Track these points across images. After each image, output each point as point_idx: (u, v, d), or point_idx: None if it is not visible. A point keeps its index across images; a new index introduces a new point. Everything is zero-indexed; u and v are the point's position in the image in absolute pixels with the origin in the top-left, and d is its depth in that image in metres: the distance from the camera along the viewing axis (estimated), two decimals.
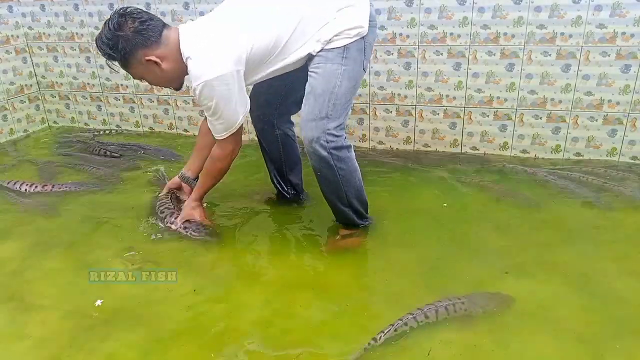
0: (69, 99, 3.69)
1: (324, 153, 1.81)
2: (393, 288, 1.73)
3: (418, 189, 2.50)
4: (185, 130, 3.46)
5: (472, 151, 2.93)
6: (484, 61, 2.72)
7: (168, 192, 2.32)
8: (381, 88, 2.95)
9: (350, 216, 2.03)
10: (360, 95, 3.01)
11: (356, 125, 3.10)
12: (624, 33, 2.47)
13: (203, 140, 2.18)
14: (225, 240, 2.06)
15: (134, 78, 1.92)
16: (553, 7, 2.52)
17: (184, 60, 1.77)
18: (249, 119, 2.14)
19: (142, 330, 1.57)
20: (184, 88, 2.05)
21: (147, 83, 1.95)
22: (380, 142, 3.09)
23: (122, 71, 1.90)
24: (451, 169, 2.70)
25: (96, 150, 3.11)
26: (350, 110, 1.90)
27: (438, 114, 2.91)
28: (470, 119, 2.87)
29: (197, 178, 2.23)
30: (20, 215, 2.32)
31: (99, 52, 1.81)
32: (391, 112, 3.00)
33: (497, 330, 1.52)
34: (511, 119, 2.80)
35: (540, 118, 2.75)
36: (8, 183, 2.60)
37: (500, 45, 2.67)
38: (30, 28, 3.56)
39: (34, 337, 1.56)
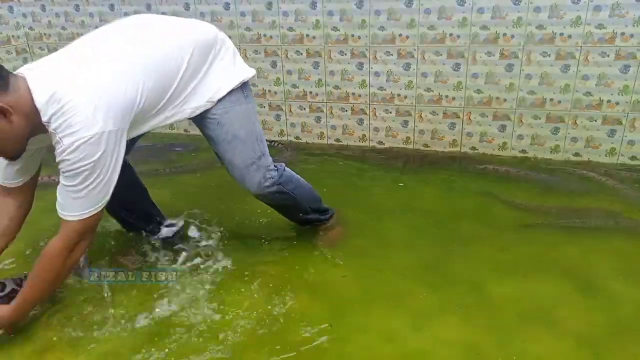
0: None
1: (275, 188, 1.78)
2: (393, 288, 1.74)
3: (418, 189, 2.51)
4: (186, 130, 3.46)
5: (472, 151, 2.93)
6: (483, 62, 2.73)
7: None
8: (381, 88, 2.96)
9: (315, 219, 2.05)
10: (360, 95, 3.01)
11: (356, 125, 3.10)
12: (623, 33, 2.48)
13: None
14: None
15: None
16: (552, 8, 2.52)
17: (41, 113, 1.33)
18: None
19: None
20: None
21: None
22: (380, 142, 3.10)
23: None
24: (450, 169, 2.70)
25: None
26: None
27: (437, 114, 2.92)
28: (470, 119, 2.87)
29: None
30: None
31: None
32: (391, 112, 3.00)
33: (497, 330, 1.52)
34: (510, 119, 2.80)
35: (540, 118, 2.76)
36: None
37: (500, 45, 2.67)
38: (31, 28, 3.56)
39: None
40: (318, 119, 3.17)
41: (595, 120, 2.67)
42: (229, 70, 1.69)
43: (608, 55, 2.53)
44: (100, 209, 1.46)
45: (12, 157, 1.44)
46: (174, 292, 1.73)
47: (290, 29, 2.98)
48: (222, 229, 2.10)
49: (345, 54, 2.94)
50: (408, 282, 1.76)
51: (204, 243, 2.01)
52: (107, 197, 1.46)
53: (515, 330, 1.52)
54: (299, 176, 1.93)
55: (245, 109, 1.72)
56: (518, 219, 2.17)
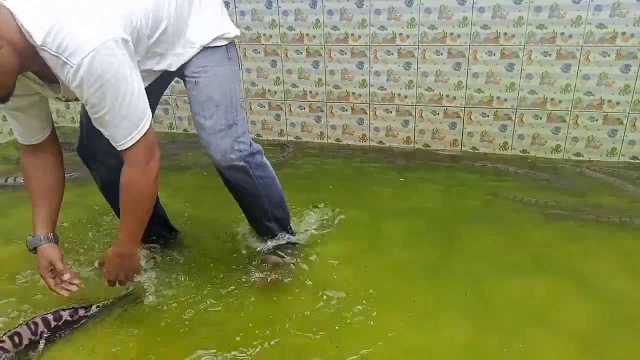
0: None
1: (241, 163, 1.64)
2: (393, 288, 1.73)
3: (418, 188, 2.50)
4: (185, 130, 3.46)
5: (472, 151, 2.93)
6: (484, 61, 2.72)
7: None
8: (381, 88, 2.95)
9: (274, 229, 1.90)
10: (360, 94, 3.01)
11: (356, 125, 3.10)
12: (624, 33, 2.47)
13: (37, 182, 1.51)
14: None
15: None
16: (553, 7, 2.52)
17: (33, 36, 1.14)
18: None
19: None
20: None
21: None
22: (380, 142, 3.09)
23: None
24: (451, 169, 2.70)
25: None
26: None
27: (438, 114, 2.91)
28: (470, 119, 2.86)
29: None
30: None
31: None
32: (391, 112, 2.99)
33: (497, 330, 1.51)
34: (511, 119, 2.80)
35: (540, 118, 2.75)
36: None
37: (500, 45, 2.67)
38: None
39: None
40: (318, 119, 3.17)
41: (596, 120, 2.67)
42: (214, 18, 1.59)
43: (609, 55, 2.53)
44: (149, 120, 1.34)
45: (2, 97, 1.22)
46: None
47: (290, 28, 2.98)
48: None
49: (346, 53, 2.94)
50: (408, 282, 1.76)
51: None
52: (148, 107, 1.34)
53: (515, 330, 1.51)
54: (275, 174, 1.81)
55: (226, 71, 1.60)
56: (518, 219, 2.16)
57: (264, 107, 3.25)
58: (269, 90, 3.19)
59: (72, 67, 1.16)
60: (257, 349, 1.44)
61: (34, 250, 1.52)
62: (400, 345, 1.47)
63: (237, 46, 1.72)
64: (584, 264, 1.83)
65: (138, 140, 1.32)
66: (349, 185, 2.58)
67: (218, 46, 1.58)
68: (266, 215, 1.84)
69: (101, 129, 1.32)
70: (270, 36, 3.04)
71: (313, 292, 1.72)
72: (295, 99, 3.16)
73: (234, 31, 1.63)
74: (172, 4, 1.45)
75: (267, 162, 1.77)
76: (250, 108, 3.27)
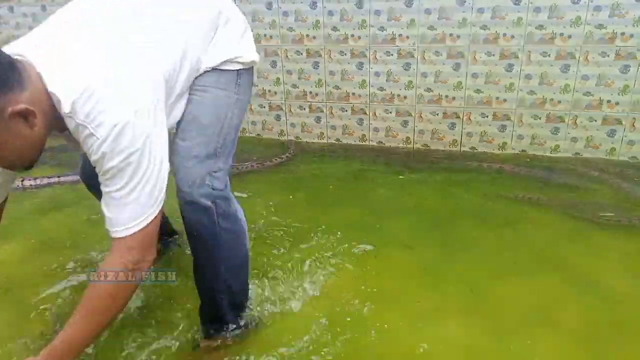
0: None
1: (207, 202, 1.32)
2: (393, 288, 1.73)
3: (418, 188, 2.51)
4: None
5: (472, 151, 2.93)
6: (483, 62, 2.73)
7: None
8: (381, 88, 2.96)
9: (222, 309, 1.47)
10: (360, 95, 3.01)
11: (356, 125, 3.10)
12: (623, 33, 2.48)
13: None
14: None
15: None
16: (552, 8, 2.53)
17: (62, 104, 1.04)
18: None
19: None
20: None
21: None
22: (380, 143, 3.10)
23: None
24: (450, 169, 2.70)
25: None
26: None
27: (437, 114, 2.92)
28: (470, 119, 2.87)
29: None
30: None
31: None
32: (391, 112, 3.00)
33: (497, 330, 1.52)
34: (510, 119, 2.81)
35: (540, 118, 2.76)
36: None
37: (500, 45, 2.67)
38: (31, 28, 3.54)
39: None
40: (318, 119, 3.17)
41: (595, 120, 2.67)
42: (233, 40, 1.40)
43: (608, 55, 2.54)
44: (158, 210, 1.16)
45: (28, 166, 1.13)
46: None
47: (290, 29, 2.98)
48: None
49: (345, 54, 2.94)
50: (408, 282, 1.76)
51: None
52: (164, 193, 1.17)
53: (515, 330, 1.52)
54: (245, 236, 1.46)
55: (228, 96, 1.39)
56: (518, 219, 2.17)
57: (264, 107, 3.25)
58: (269, 91, 3.20)
59: (98, 139, 1.06)
60: None
61: None
62: (400, 345, 1.47)
63: (254, 74, 1.54)
64: (584, 264, 1.83)
65: (137, 231, 1.13)
66: (349, 186, 2.58)
67: (228, 69, 1.39)
68: (218, 286, 1.43)
69: (103, 206, 1.14)
70: (271, 37, 3.04)
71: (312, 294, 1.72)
72: (296, 99, 3.16)
73: (249, 55, 1.42)
74: (197, 45, 1.32)
75: (241, 217, 1.44)
76: (251, 108, 3.27)
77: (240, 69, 1.41)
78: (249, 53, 1.43)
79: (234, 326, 1.49)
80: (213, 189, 1.33)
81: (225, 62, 1.37)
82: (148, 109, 1.12)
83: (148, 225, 1.14)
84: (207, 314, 1.48)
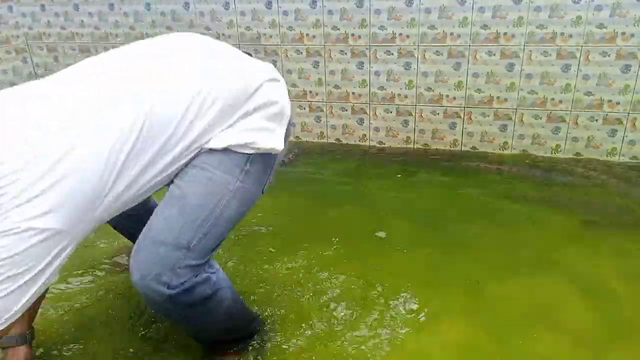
0: None
1: (160, 298, 1.13)
2: (392, 288, 1.73)
3: (417, 188, 2.50)
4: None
5: (472, 151, 2.93)
6: (484, 61, 2.72)
7: None
8: (381, 88, 2.95)
9: (228, 342, 1.44)
10: (360, 94, 3.01)
11: (356, 125, 3.10)
12: (624, 33, 2.47)
13: None
14: None
15: None
16: (553, 7, 2.52)
17: None
18: None
19: None
20: None
21: None
22: (380, 142, 3.09)
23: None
24: (451, 169, 2.70)
25: None
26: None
27: (438, 114, 2.91)
28: (470, 119, 2.86)
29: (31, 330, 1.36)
30: None
31: None
32: (391, 112, 2.99)
33: (497, 330, 1.52)
34: (511, 118, 2.80)
35: (540, 118, 2.75)
36: None
37: (500, 45, 2.66)
38: (30, 28, 3.55)
39: None
40: (318, 119, 3.17)
41: (596, 120, 2.67)
42: (246, 130, 1.20)
43: (609, 55, 2.53)
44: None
45: None
46: None
47: (290, 28, 2.98)
48: None
49: (346, 53, 2.94)
50: (408, 282, 1.76)
51: None
52: (11, 315, 1.01)
53: (515, 330, 1.51)
54: (227, 295, 1.28)
55: (227, 182, 1.19)
56: (518, 219, 2.16)
57: None
58: None
59: None
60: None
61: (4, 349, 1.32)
62: (400, 345, 1.47)
63: (273, 165, 1.31)
64: (584, 264, 1.83)
65: None
66: (349, 186, 2.58)
67: (237, 152, 1.20)
68: (213, 337, 1.41)
69: None
70: (270, 36, 3.04)
71: (312, 291, 1.72)
72: (295, 98, 3.16)
73: (265, 143, 1.21)
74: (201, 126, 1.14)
75: (216, 291, 1.23)
76: None
77: (251, 154, 1.21)
78: (270, 140, 1.22)
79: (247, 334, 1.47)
80: (169, 288, 1.12)
81: (233, 145, 1.19)
82: (53, 232, 0.98)
83: None
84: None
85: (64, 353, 1.48)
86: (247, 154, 1.21)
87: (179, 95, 1.11)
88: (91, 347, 1.49)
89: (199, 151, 1.17)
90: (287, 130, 1.31)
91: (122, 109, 1.05)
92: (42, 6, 3.45)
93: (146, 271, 1.11)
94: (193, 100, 1.11)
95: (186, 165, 1.18)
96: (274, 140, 1.23)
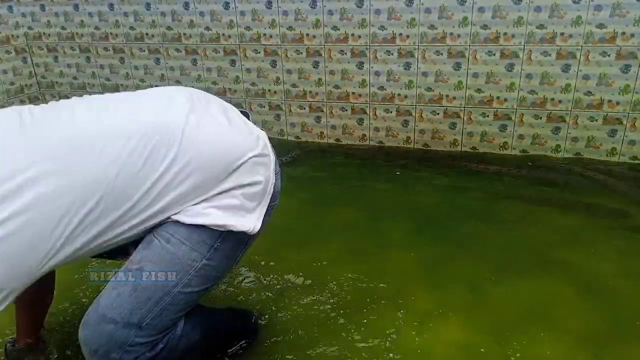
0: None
1: None
2: (393, 288, 1.73)
3: (418, 188, 2.50)
4: None
5: (472, 151, 2.93)
6: (484, 61, 2.72)
7: None
8: (381, 88, 2.95)
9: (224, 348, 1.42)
10: (360, 95, 3.01)
11: (356, 125, 3.10)
12: (624, 33, 2.47)
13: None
14: None
15: None
16: (553, 7, 2.52)
17: None
18: None
19: None
20: None
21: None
22: (380, 142, 3.09)
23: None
24: (451, 169, 2.70)
25: None
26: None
27: (438, 114, 2.91)
28: (470, 119, 2.86)
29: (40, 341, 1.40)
30: None
31: None
32: (391, 112, 2.99)
33: (497, 330, 1.52)
34: (511, 119, 2.80)
35: (540, 118, 2.75)
36: None
37: (500, 45, 2.66)
38: (30, 28, 3.56)
39: None
40: (318, 119, 3.17)
41: (596, 120, 2.67)
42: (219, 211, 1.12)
43: (609, 55, 2.53)
44: None
45: None
46: None
47: (290, 28, 2.98)
48: None
49: (346, 54, 2.94)
50: (408, 282, 1.76)
51: None
52: None
53: (515, 330, 1.51)
54: (201, 340, 1.22)
55: (192, 260, 1.11)
56: (518, 219, 2.16)
57: (264, 107, 3.25)
58: (269, 90, 3.19)
59: None
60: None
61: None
62: (400, 344, 1.47)
63: (247, 241, 1.23)
64: (584, 264, 1.83)
65: None
66: (349, 185, 2.58)
67: (208, 227, 1.11)
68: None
69: None
70: (270, 36, 3.04)
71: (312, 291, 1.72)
72: (295, 99, 3.16)
73: (240, 224, 1.13)
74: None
75: (184, 345, 1.17)
76: (251, 108, 3.27)
77: (224, 232, 1.13)
78: (247, 222, 1.14)
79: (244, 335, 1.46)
80: None
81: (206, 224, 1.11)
82: None
83: None
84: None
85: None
86: (219, 230, 1.12)
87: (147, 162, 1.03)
88: None
89: (167, 219, 1.09)
90: (270, 205, 1.23)
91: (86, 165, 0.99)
92: (42, 6, 3.45)
93: (94, 347, 1.06)
94: (166, 170, 1.04)
95: (151, 230, 1.10)
96: (250, 222, 1.15)
